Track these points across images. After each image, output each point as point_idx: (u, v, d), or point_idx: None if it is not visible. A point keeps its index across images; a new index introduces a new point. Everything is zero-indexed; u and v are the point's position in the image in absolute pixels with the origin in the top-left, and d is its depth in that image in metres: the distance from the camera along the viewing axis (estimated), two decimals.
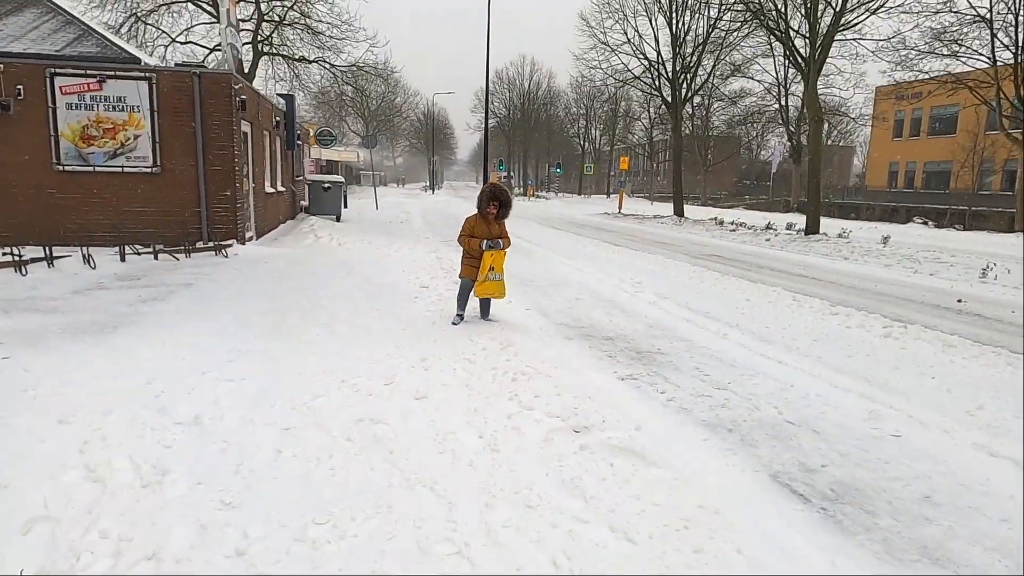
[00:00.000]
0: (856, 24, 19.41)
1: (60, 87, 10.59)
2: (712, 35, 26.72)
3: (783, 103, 36.53)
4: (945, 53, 23.24)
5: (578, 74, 38.79)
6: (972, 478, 3.54)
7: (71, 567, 2.47)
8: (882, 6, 18.58)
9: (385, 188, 64.59)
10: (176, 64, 13.49)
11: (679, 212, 27.76)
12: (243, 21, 21.64)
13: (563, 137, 69.19)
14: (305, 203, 20.20)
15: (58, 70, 10.61)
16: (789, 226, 20.65)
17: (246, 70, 21.13)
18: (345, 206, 21.29)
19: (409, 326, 6.35)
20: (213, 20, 22.05)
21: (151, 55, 20.57)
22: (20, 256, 8.75)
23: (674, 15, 27.11)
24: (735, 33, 26.72)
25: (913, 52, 23.38)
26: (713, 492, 3.23)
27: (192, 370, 4.70)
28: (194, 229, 11.34)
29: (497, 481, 3.21)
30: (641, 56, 29.30)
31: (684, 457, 3.63)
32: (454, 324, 6.47)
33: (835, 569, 2.69)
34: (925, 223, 28.07)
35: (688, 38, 27.31)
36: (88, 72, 10.70)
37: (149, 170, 11.08)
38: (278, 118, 16.37)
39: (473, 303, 6.73)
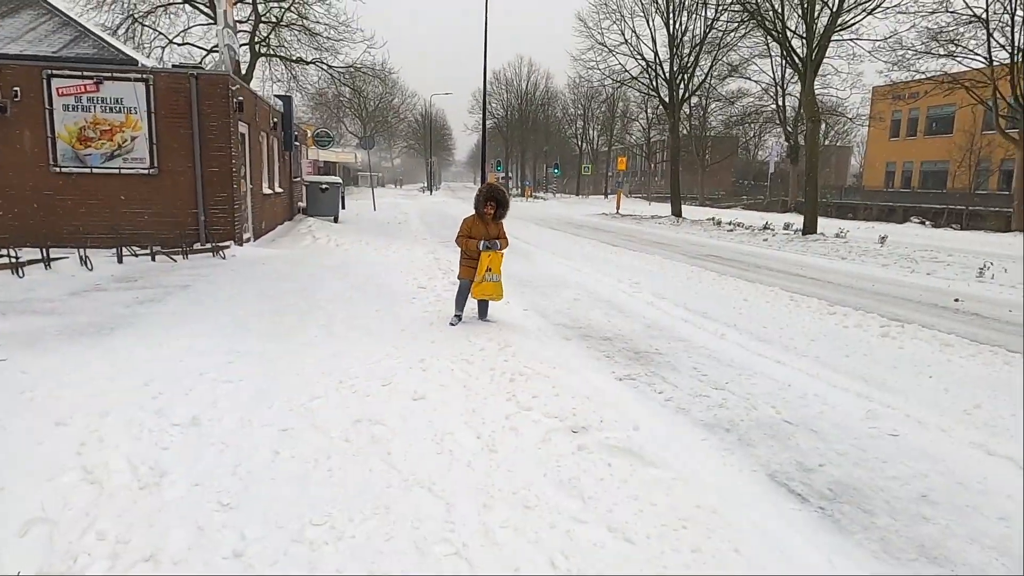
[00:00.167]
0: (853, 24, 19.49)
1: (57, 88, 10.57)
2: (709, 35, 26.76)
3: (780, 103, 36.61)
4: (941, 53, 23.33)
5: (576, 75, 38.81)
6: (969, 477, 3.55)
7: (68, 569, 2.46)
8: (879, 6, 18.63)
9: (383, 189, 64.59)
10: (173, 65, 13.50)
11: (677, 212, 27.78)
12: (240, 22, 21.64)
13: (561, 138, 69.26)
14: (303, 204, 20.19)
15: (55, 71, 10.59)
16: (787, 226, 20.68)
17: (243, 71, 21.14)
18: (343, 207, 21.31)
19: (407, 327, 6.35)
20: (210, 21, 22.04)
21: (148, 56, 20.53)
22: (17, 258, 8.73)
23: (671, 16, 27.14)
24: (732, 33, 26.78)
25: (910, 52, 23.49)
26: (711, 492, 3.23)
27: (190, 371, 4.69)
28: (191, 230, 11.33)
29: (495, 481, 3.21)
30: (638, 57, 29.36)
31: (682, 457, 3.63)
32: (452, 325, 6.46)
33: (833, 568, 2.70)
34: (922, 223, 28.12)
35: (685, 39, 27.34)
36: (85, 73, 10.69)
37: (146, 172, 11.06)
38: (275, 119, 16.36)
39: (471, 304, 6.73)
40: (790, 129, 36.33)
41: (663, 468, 3.41)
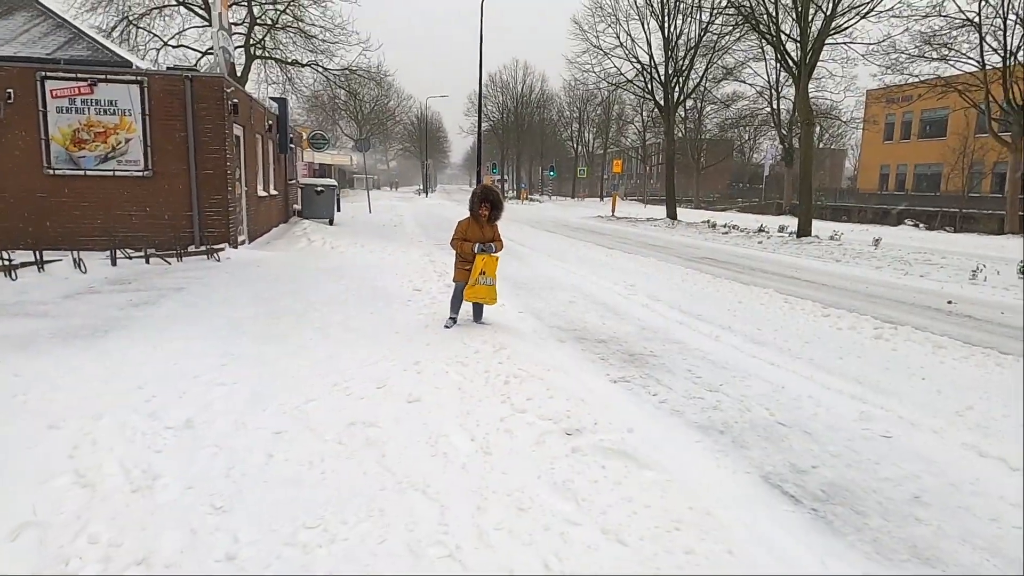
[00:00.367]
0: (846, 28, 19.56)
1: (51, 90, 10.54)
2: (704, 39, 26.81)
3: (775, 106, 36.72)
4: (935, 57, 23.46)
5: (571, 77, 38.86)
6: (962, 478, 3.57)
7: (60, 572, 2.45)
8: (872, 10, 18.73)
9: (378, 192, 64.51)
10: (168, 68, 13.49)
11: (672, 215, 27.84)
12: (235, 25, 21.62)
13: (556, 140, 69.39)
14: (298, 207, 20.17)
15: (49, 73, 10.56)
16: (781, 229, 20.75)
17: (239, 74, 21.09)
18: (338, 210, 21.27)
19: (402, 329, 6.34)
20: (205, 24, 22.02)
21: (143, 59, 20.49)
22: (10, 260, 8.69)
23: (666, 19, 27.19)
24: (727, 37, 26.82)
25: (903, 56, 23.61)
26: (704, 494, 3.24)
27: (183, 374, 4.68)
28: (186, 233, 11.30)
29: (489, 484, 3.21)
30: (634, 60, 29.39)
31: (676, 459, 3.64)
32: (447, 327, 6.46)
33: (825, 569, 2.71)
34: (916, 225, 28.25)
35: (680, 42, 27.39)
36: (79, 76, 10.66)
37: (140, 174, 11.03)
38: (271, 122, 16.34)
39: (466, 306, 6.72)
40: (785, 132, 36.46)
41: (657, 470, 3.42)
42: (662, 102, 28.81)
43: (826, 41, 19.43)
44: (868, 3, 18.49)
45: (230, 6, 18.13)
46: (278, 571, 2.49)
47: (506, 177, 66.07)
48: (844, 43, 21.89)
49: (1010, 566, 2.79)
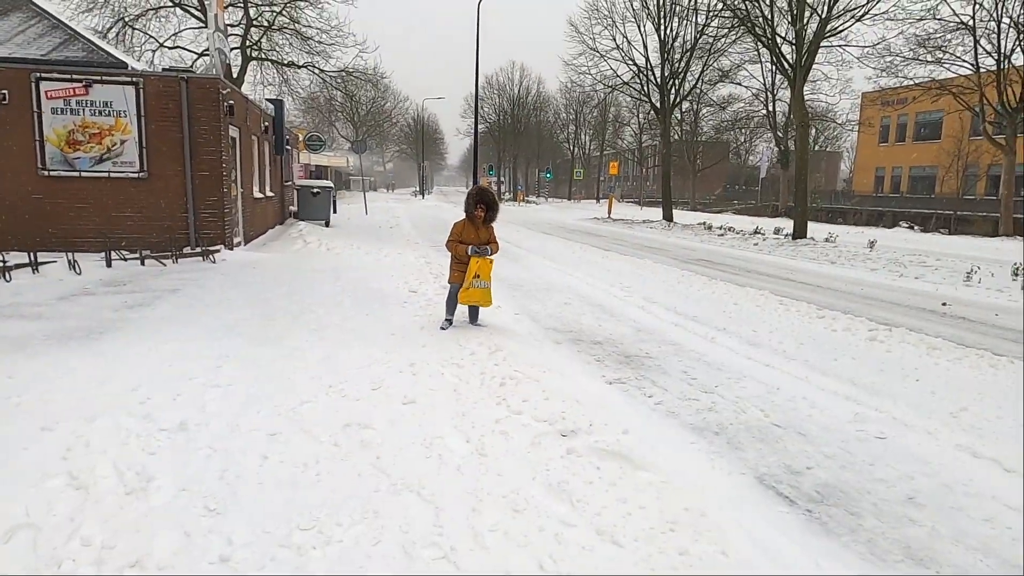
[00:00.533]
0: (842, 31, 19.64)
1: (46, 92, 10.50)
2: (700, 41, 26.90)
3: (770, 108, 36.84)
4: (929, 60, 23.59)
5: (567, 80, 38.85)
6: (955, 479, 3.58)
7: (53, 574, 2.44)
8: (867, 13, 18.80)
9: (375, 193, 64.52)
10: (164, 69, 13.45)
11: (668, 217, 27.89)
12: (232, 26, 21.59)
13: (553, 142, 69.45)
14: (294, 208, 20.14)
15: (44, 75, 10.51)
16: (777, 230, 20.81)
17: (235, 75, 21.07)
18: (334, 211, 21.26)
19: (398, 331, 6.33)
20: (201, 25, 21.97)
21: (139, 60, 20.44)
22: (4, 262, 8.66)
23: (662, 21, 27.28)
24: (723, 39, 26.94)
25: (898, 58, 23.73)
26: (699, 495, 3.24)
27: (178, 376, 4.66)
28: (181, 234, 11.27)
29: (484, 485, 3.21)
30: (630, 62, 29.49)
31: (671, 460, 3.64)
32: (443, 329, 6.46)
33: (820, 570, 2.71)
34: (911, 227, 28.36)
35: (676, 44, 27.47)
36: (74, 77, 10.63)
37: (136, 175, 11.00)
38: (267, 123, 16.32)
39: (462, 308, 6.72)
40: (780, 134, 36.58)
41: (652, 471, 3.42)
42: (658, 104, 28.90)
43: (821, 44, 19.51)
44: (863, 6, 18.59)
45: (226, 7, 18.11)
46: (272, 573, 2.49)
47: (502, 179, 66.11)
48: (839, 46, 21.99)
49: (1003, 567, 2.80)
